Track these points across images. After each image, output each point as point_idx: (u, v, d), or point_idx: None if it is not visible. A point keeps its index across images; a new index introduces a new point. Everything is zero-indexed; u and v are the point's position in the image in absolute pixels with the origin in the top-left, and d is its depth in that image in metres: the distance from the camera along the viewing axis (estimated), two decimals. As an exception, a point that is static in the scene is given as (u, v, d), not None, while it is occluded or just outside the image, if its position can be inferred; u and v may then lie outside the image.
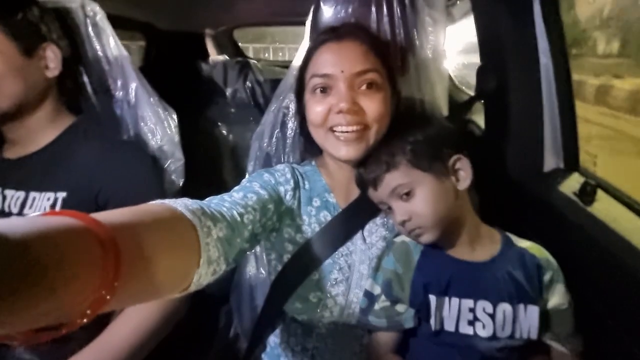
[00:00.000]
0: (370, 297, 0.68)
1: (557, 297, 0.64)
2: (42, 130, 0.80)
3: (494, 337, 0.62)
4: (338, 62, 0.65)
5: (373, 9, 0.80)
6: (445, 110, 0.85)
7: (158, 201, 0.46)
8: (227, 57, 1.55)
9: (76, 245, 0.29)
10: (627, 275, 0.56)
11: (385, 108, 0.66)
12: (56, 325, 0.30)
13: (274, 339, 0.80)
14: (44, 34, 0.77)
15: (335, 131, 0.66)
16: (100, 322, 0.69)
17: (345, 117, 0.64)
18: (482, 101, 0.94)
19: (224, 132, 1.46)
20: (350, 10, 0.80)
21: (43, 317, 0.28)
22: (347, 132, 0.65)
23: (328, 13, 0.82)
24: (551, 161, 0.79)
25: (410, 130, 0.67)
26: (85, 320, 0.31)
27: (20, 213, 0.75)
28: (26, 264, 0.25)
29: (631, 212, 0.66)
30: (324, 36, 0.70)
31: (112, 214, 0.36)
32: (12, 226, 0.26)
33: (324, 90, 0.66)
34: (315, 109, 0.67)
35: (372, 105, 0.65)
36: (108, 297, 0.31)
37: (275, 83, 1.47)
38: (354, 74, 0.64)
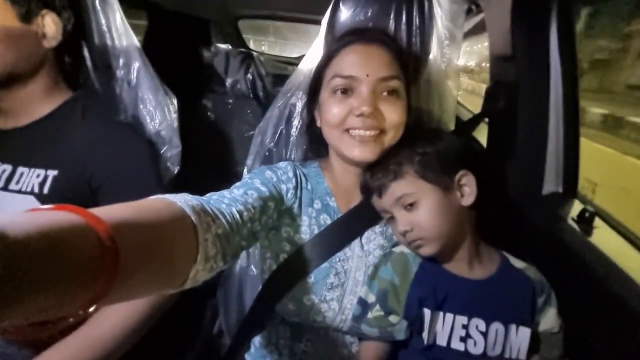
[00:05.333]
0: (364, 305, 0.67)
1: (548, 321, 0.64)
2: (36, 103, 0.75)
3: (484, 355, 0.62)
4: (364, 65, 0.65)
5: (392, 14, 0.79)
6: (452, 125, 0.85)
7: (158, 196, 0.46)
8: (231, 47, 1.51)
9: (76, 242, 0.30)
10: (618, 305, 0.57)
11: (403, 116, 0.67)
12: (51, 321, 0.30)
13: (259, 339, 0.78)
14: (46, 1, 0.73)
15: (351, 133, 0.66)
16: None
17: (364, 121, 0.64)
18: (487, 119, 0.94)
19: (219, 121, 1.43)
20: (369, 14, 0.79)
21: (40, 312, 0.28)
22: (363, 134, 0.65)
23: (346, 15, 0.81)
24: (550, 185, 0.80)
25: (419, 141, 0.67)
26: (80, 316, 0.31)
27: (5, 188, 0.71)
28: (26, 261, 0.25)
29: (627, 242, 0.68)
30: (350, 37, 0.69)
31: (112, 209, 0.36)
32: (13, 222, 0.26)
33: (345, 91, 0.66)
34: (334, 109, 0.66)
35: (393, 112, 0.65)
36: (105, 293, 0.31)
37: (277, 78, 1.46)
38: (379, 78, 0.64)
